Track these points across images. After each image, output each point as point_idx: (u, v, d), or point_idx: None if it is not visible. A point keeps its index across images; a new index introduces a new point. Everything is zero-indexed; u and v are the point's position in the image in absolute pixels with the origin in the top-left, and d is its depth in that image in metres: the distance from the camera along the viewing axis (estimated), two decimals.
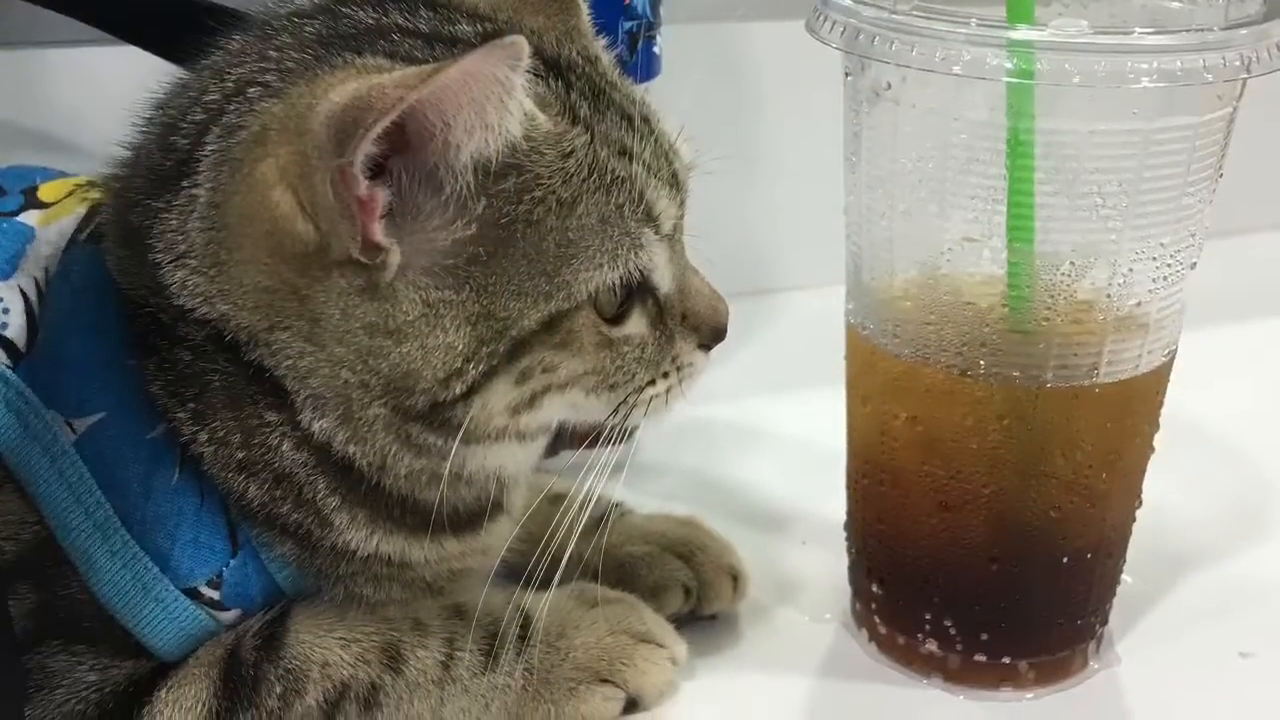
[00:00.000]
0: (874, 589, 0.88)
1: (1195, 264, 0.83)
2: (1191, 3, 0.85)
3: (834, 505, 0.93)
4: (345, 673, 0.76)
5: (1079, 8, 0.86)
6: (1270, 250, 1.50)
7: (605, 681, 0.81)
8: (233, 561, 0.75)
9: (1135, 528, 0.88)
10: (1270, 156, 1.37)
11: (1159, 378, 0.84)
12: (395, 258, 0.69)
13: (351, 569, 0.77)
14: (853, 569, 0.91)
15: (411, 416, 0.72)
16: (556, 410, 0.77)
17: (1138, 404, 0.84)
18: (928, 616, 0.86)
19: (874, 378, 0.86)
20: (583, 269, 0.73)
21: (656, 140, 0.77)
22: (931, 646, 0.86)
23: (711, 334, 0.80)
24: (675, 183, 0.77)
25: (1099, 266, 0.80)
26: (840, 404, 0.91)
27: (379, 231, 0.68)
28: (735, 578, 0.90)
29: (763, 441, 1.13)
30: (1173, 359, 0.85)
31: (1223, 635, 0.90)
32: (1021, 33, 0.76)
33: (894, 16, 0.78)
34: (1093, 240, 0.80)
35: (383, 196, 0.67)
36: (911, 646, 0.87)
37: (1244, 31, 0.76)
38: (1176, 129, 0.78)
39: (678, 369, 0.80)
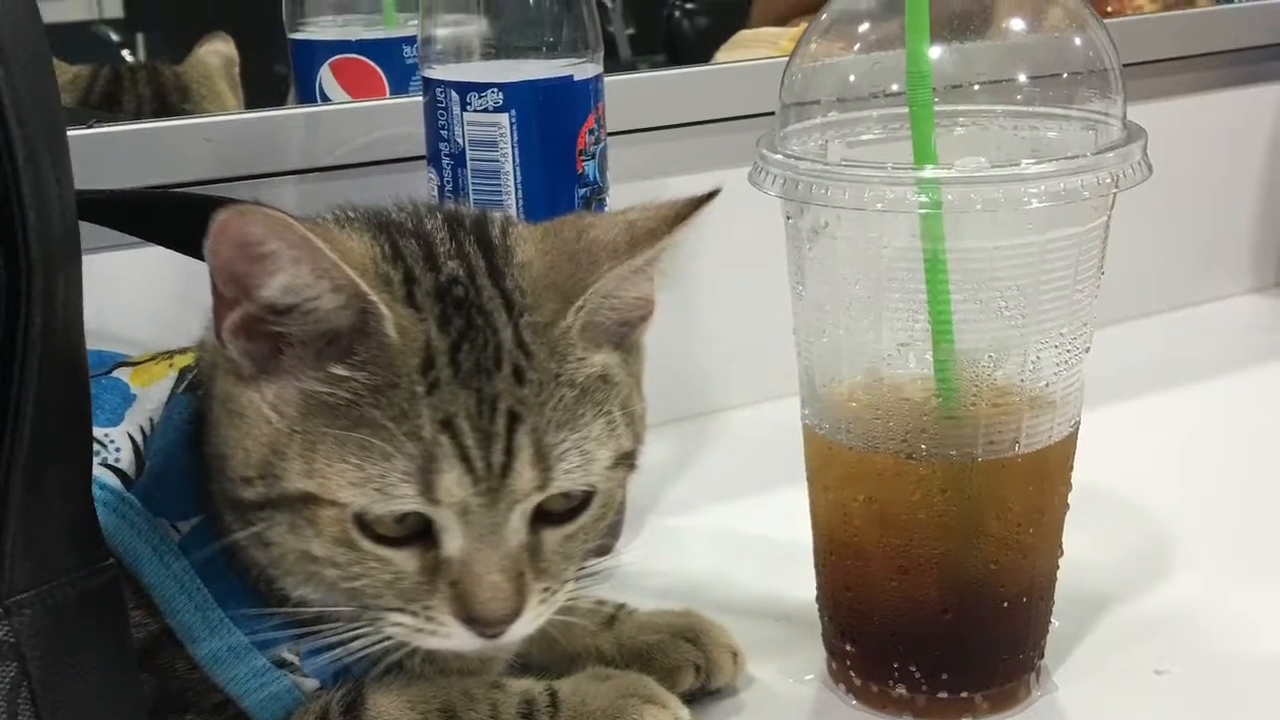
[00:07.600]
0: (847, 648, 0.93)
1: (1089, 348, 0.90)
2: (1065, 133, 0.91)
3: (799, 588, 0.98)
4: None
5: (973, 145, 0.90)
6: (1150, 333, 1.60)
7: None
8: (304, 646, 0.82)
9: (1059, 574, 0.94)
10: (1140, 253, 1.49)
11: (1068, 446, 0.91)
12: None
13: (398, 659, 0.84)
14: (826, 633, 0.96)
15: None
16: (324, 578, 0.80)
17: (1053, 469, 0.90)
18: (895, 665, 0.91)
19: (833, 468, 0.91)
20: (341, 480, 0.75)
21: (511, 436, 0.75)
22: (901, 690, 0.91)
23: (466, 616, 0.77)
24: (493, 475, 0.76)
25: (1011, 358, 0.86)
26: (790, 502, 0.97)
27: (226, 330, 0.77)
28: (734, 654, 0.94)
29: (728, 542, 1.17)
30: (1077, 429, 0.91)
31: (1139, 658, 0.98)
32: (930, 172, 0.84)
33: (826, 167, 0.86)
34: (1004, 336, 0.86)
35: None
36: (884, 692, 0.92)
37: (1110, 155, 0.85)
38: (1064, 238, 0.86)
39: (429, 620, 0.78)
